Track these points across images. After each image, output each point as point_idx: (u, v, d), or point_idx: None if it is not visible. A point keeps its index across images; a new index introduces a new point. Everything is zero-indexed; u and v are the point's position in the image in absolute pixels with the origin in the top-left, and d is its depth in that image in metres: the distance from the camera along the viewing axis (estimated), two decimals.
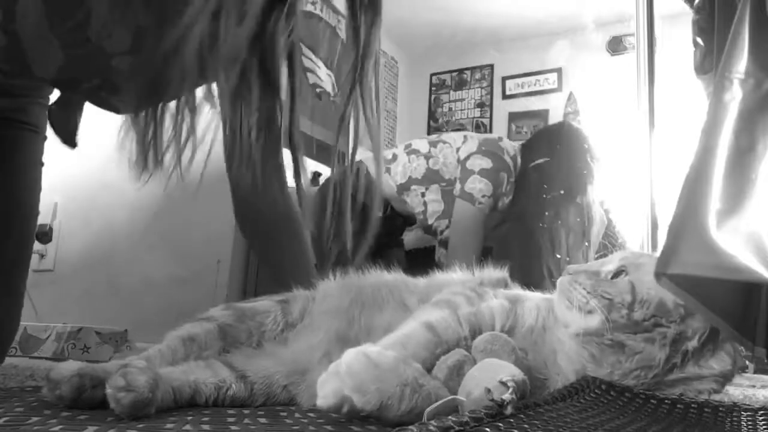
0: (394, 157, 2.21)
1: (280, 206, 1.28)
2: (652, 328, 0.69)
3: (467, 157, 2.08)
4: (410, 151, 2.19)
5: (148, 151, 0.96)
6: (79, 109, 1.13)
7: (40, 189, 1.35)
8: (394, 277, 0.93)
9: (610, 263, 0.76)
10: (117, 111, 1.18)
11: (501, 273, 0.88)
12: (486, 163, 2.06)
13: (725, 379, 0.69)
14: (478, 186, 2.04)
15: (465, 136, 2.18)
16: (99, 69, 1.06)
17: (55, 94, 1.20)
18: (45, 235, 3.03)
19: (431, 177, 2.12)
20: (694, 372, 0.69)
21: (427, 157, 2.15)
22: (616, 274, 0.74)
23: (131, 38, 1.03)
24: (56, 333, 2.18)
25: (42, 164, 1.35)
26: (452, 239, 2.07)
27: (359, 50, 1.06)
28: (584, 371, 0.70)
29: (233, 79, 1.01)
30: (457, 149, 2.13)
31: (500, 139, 2.21)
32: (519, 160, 2.15)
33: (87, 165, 3.06)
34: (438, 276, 0.91)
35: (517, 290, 0.84)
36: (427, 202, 2.12)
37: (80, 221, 3.05)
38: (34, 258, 3.04)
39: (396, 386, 0.56)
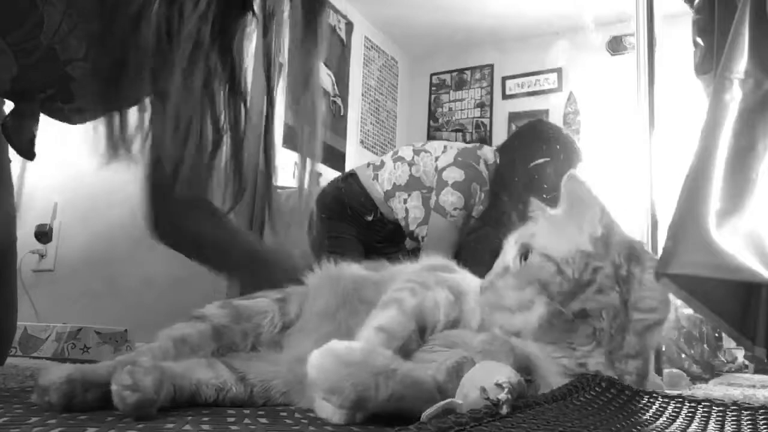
0: (382, 164, 2.23)
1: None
2: (594, 276, 0.67)
3: (444, 168, 2.09)
4: (396, 159, 2.22)
5: (117, 144, 1.01)
6: (35, 120, 1.12)
7: (12, 186, 1.34)
8: (370, 273, 0.91)
9: (509, 252, 0.72)
10: (69, 121, 1.16)
11: (445, 261, 0.88)
12: (459, 175, 2.06)
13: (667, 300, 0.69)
14: (450, 199, 2.05)
15: (445, 147, 2.19)
16: (53, 78, 1.05)
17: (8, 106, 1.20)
18: (45, 235, 3.03)
19: (413, 184, 2.14)
20: (645, 302, 0.68)
21: (410, 164, 2.17)
22: (523, 256, 0.70)
23: (86, 46, 1.02)
24: (56, 333, 2.18)
25: (9, 161, 1.32)
26: (427, 251, 2.07)
27: None
28: (565, 369, 0.66)
29: (195, 73, 0.99)
30: (436, 158, 2.15)
31: (480, 147, 2.20)
32: (498, 162, 2.13)
33: (87, 165, 3.06)
34: (392, 268, 0.90)
35: (457, 275, 0.81)
36: (409, 209, 2.13)
37: (80, 221, 3.04)
38: (34, 258, 3.04)
39: (369, 377, 0.56)
